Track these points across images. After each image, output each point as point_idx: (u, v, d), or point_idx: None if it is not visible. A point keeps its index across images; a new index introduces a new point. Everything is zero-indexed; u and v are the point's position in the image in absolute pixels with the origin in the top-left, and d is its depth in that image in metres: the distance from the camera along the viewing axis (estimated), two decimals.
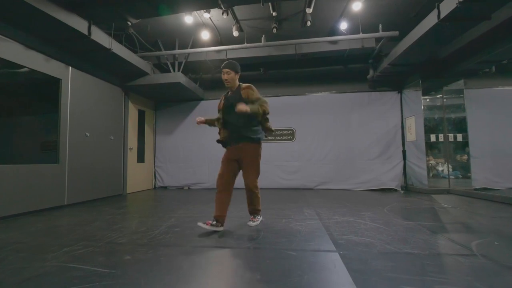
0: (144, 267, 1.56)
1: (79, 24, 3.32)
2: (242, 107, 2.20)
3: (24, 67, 3.33)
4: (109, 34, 3.89)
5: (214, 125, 2.65)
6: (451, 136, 4.62)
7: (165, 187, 6.14)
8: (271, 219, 2.80)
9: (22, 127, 3.86)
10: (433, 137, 4.75)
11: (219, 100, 2.63)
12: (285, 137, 5.75)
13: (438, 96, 4.92)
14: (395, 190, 5.20)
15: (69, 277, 1.42)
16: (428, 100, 5.04)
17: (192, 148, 6.06)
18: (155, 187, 6.22)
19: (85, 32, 3.41)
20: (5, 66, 3.20)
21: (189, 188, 6.02)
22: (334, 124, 5.63)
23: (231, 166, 2.45)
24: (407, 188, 5.30)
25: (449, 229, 2.37)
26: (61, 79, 3.77)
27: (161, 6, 3.30)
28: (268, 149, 4.86)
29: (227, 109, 2.45)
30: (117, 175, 4.92)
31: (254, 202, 2.47)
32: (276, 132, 5.72)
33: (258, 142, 2.46)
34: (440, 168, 5.62)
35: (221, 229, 2.31)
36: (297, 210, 3.29)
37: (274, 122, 5.67)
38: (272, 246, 1.91)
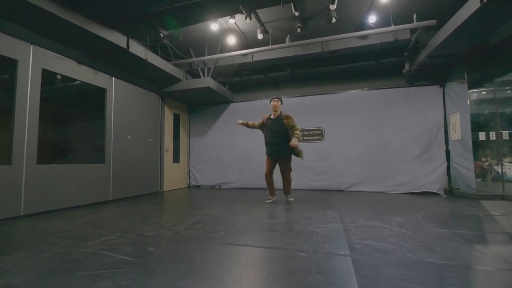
0: (162, 258, 1.72)
1: (119, 39, 3.73)
2: (294, 143, 3.51)
3: (77, 80, 3.85)
4: (145, 46, 4.28)
5: (249, 126, 4.10)
6: (505, 133, 4.03)
7: (198, 186, 6.49)
8: (291, 220, 2.80)
9: (75, 133, 4.45)
10: (482, 135, 4.20)
11: (262, 118, 4.01)
12: (314, 137, 5.64)
13: (489, 88, 4.33)
14: (437, 194, 4.73)
15: (100, 263, 1.64)
16: (476, 93, 4.47)
17: (223, 149, 6.30)
18: (189, 186, 6.61)
19: (124, 46, 3.82)
20: (62, 80, 3.75)
21: (220, 187, 6.27)
22: (366, 122, 5.34)
23: (272, 164, 3.87)
24: (452, 192, 4.79)
25: (490, 240, 2.11)
26: (106, 89, 4.27)
27: (187, 17, 3.53)
28: None
29: (272, 131, 3.78)
30: (154, 174, 5.37)
31: (289, 187, 3.95)
32: (304, 132, 5.65)
33: (290, 158, 3.84)
34: (502, 170, 4.91)
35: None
36: (320, 212, 3.23)
37: (302, 122, 5.68)
38: (284, 247, 1.93)
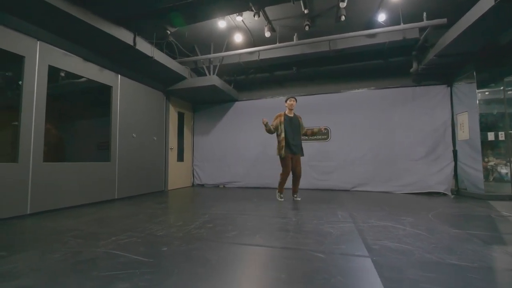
0: (177, 258, 1.68)
1: (126, 36, 3.69)
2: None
3: (83, 77, 3.81)
4: (152, 43, 4.23)
5: (271, 131, 3.94)
6: None
7: (202, 185, 6.45)
8: (302, 220, 2.77)
9: (81, 130, 4.42)
10: (491, 136, 4.17)
11: (277, 118, 3.99)
12: (320, 137, 5.60)
13: (498, 88, 4.29)
14: (444, 194, 4.70)
15: (115, 263, 1.60)
16: (485, 93, 4.43)
17: (227, 148, 6.26)
18: (193, 185, 6.57)
19: (131, 43, 3.77)
20: (68, 77, 3.71)
21: (224, 186, 6.23)
22: (372, 122, 5.30)
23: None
24: (459, 193, 4.75)
25: (508, 241, 2.08)
26: (112, 86, 4.22)
27: (195, 14, 3.49)
28: None
29: (293, 130, 3.91)
30: (159, 173, 5.33)
31: (298, 186, 4.06)
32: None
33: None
34: (503, 171, 4.90)
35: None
36: (330, 211, 3.19)
37: (308, 121, 5.65)
38: (299, 247, 1.89)
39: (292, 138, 3.88)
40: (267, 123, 3.82)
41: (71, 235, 2.22)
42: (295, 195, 4.06)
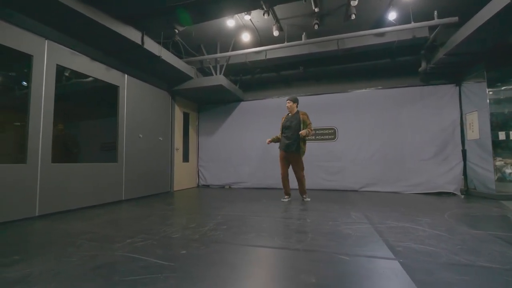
0: (199, 262, 1.63)
1: (134, 35, 3.64)
2: (303, 132, 3.71)
3: (90, 76, 3.75)
4: (159, 43, 4.18)
5: (278, 140, 4.07)
6: None
7: (208, 186, 6.40)
8: (317, 221, 2.72)
9: (84, 130, 4.36)
10: (502, 135, 4.13)
11: (281, 121, 4.07)
12: (326, 137, 5.56)
13: (509, 86, 4.26)
14: (453, 194, 4.67)
15: (135, 267, 1.55)
16: (495, 92, 4.40)
17: (233, 148, 6.21)
18: (198, 186, 6.52)
19: (139, 42, 3.72)
20: (75, 77, 3.65)
21: (230, 187, 6.18)
22: (380, 121, 5.27)
23: (286, 164, 3.97)
24: (468, 193, 4.72)
25: None
26: (118, 86, 4.17)
27: (205, 12, 3.44)
28: (309, 149, 4.72)
29: (290, 126, 3.86)
30: (165, 173, 5.27)
31: (303, 187, 3.98)
32: (317, 132, 5.57)
33: (300, 154, 3.87)
34: (508, 171, 4.86)
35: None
36: (343, 212, 3.15)
37: (314, 121, 5.60)
38: (322, 249, 1.85)
39: (286, 135, 3.88)
40: (271, 140, 4.13)
41: (84, 237, 2.17)
42: (303, 196, 4.02)
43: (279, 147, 4.01)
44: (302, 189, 3.99)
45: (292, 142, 3.82)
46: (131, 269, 1.51)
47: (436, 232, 2.25)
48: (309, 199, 4.02)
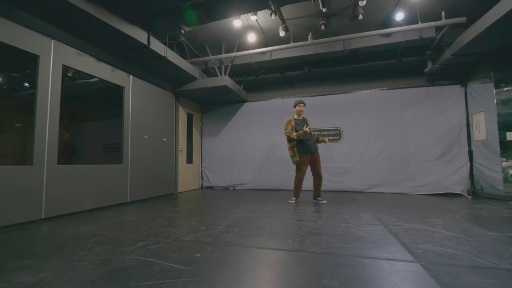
0: (215, 265, 1.59)
1: (140, 35, 3.60)
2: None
3: (95, 77, 3.71)
4: (164, 43, 4.15)
5: (299, 137, 3.84)
6: None
7: (211, 187, 6.35)
8: (329, 223, 2.68)
9: (90, 131, 4.31)
10: (510, 136, 4.11)
11: (289, 122, 3.96)
12: (332, 137, 5.53)
13: None
14: (460, 195, 4.64)
15: (151, 271, 1.50)
16: (502, 92, 4.38)
17: (236, 150, 6.18)
18: (201, 187, 6.47)
19: (145, 42, 3.69)
20: (80, 78, 3.61)
21: (234, 188, 6.13)
22: (386, 122, 5.24)
23: (307, 167, 3.92)
24: (475, 193, 4.69)
25: None
26: (124, 87, 4.13)
27: (212, 12, 3.42)
28: None
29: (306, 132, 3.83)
30: (170, 175, 5.23)
31: (321, 186, 4.01)
32: (322, 132, 5.54)
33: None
34: (511, 172, 4.84)
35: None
36: (353, 214, 3.11)
37: (319, 122, 5.56)
38: (339, 252, 1.81)
39: (307, 139, 3.88)
40: (299, 134, 3.78)
41: (94, 240, 2.12)
42: (319, 198, 3.99)
43: (303, 153, 3.82)
44: (319, 190, 4.00)
45: (313, 143, 3.93)
46: (147, 274, 1.47)
47: (453, 234, 2.21)
48: (325, 202, 3.97)
